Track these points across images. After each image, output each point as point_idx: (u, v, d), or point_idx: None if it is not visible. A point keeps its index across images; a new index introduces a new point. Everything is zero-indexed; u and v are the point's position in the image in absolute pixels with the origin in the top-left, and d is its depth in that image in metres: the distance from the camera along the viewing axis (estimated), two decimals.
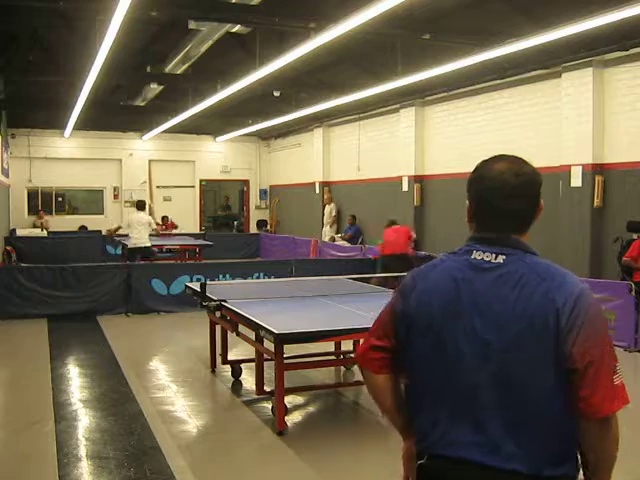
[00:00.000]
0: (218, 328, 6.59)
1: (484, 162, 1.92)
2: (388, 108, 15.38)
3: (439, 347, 1.78)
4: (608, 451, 1.94)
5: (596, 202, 10.17)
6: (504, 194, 1.80)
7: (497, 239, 1.80)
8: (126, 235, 13.09)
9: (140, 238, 12.10)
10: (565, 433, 1.76)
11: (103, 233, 19.34)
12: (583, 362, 1.72)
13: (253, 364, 5.78)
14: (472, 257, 1.81)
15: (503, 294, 1.73)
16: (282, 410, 4.96)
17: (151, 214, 21.38)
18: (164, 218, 19.08)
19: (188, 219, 21.85)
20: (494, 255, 1.79)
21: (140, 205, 12.72)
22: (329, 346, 6.52)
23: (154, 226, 12.65)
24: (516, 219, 1.82)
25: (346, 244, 16.05)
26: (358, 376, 6.46)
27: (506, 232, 1.81)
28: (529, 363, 1.69)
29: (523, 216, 1.83)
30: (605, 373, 1.82)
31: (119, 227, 13.96)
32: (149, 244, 12.25)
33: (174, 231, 18.25)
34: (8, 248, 15.50)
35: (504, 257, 1.78)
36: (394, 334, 1.89)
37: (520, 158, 1.92)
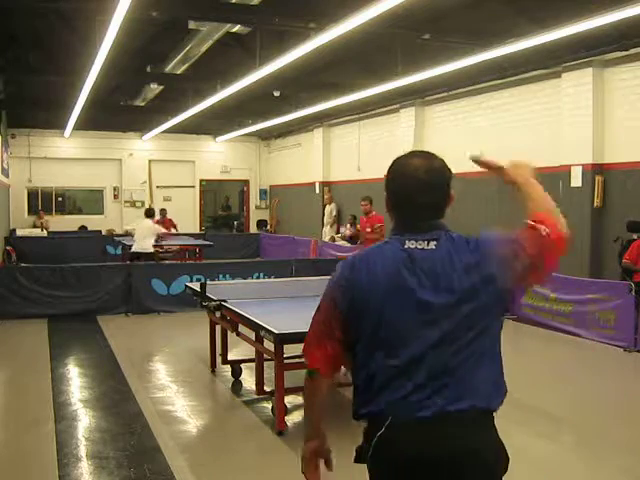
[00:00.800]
0: (218, 328, 6.59)
1: (398, 159, 2.12)
2: (388, 108, 15.38)
3: (384, 329, 1.97)
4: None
5: (596, 202, 10.17)
6: (420, 190, 2.03)
7: (423, 227, 2.03)
8: (129, 235, 13.14)
9: (143, 244, 12.09)
10: None
11: (103, 233, 19.40)
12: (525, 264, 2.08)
13: (253, 364, 5.78)
14: (405, 247, 2.01)
15: (442, 272, 1.97)
16: (282, 410, 4.96)
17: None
18: (162, 210, 19.07)
19: (188, 219, 21.84)
20: (426, 242, 2.01)
21: (149, 213, 12.70)
22: None
23: (160, 233, 12.69)
24: (432, 209, 2.06)
25: (346, 244, 16.05)
26: None
27: (426, 221, 2.03)
28: (475, 314, 1.98)
29: (438, 206, 2.07)
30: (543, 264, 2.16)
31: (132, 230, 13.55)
32: (151, 250, 12.25)
33: (173, 231, 18.31)
34: (8, 248, 15.50)
35: (435, 243, 2.00)
36: (338, 328, 2.05)
37: (431, 154, 2.16)
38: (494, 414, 2.02)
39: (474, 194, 12.76)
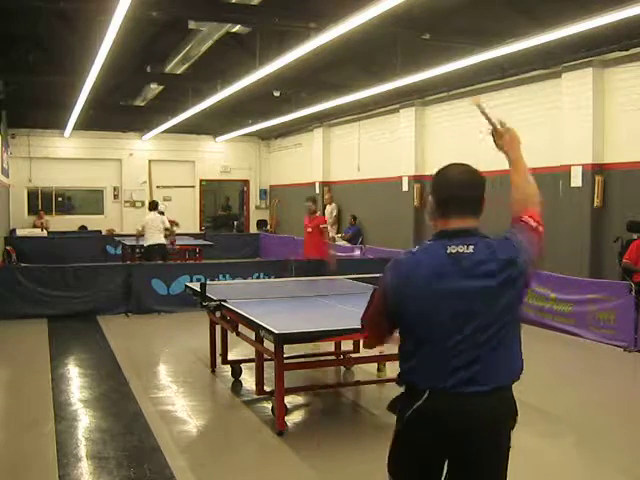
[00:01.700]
0: (218, 328, 6.59)
1: (443, 169, 2.48)
2: (388, 108, 15.38)
3: (429, 323, 2.32)
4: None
5: (596, 202, 10.17)
6: (467, 186, 2.41)
7: (463, 231, 2.35)
8: (134, 235, 12.95)
9: (159, 237, 12.00)
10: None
11: (103, 233, 19.40)
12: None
13: (253, 364, 5.77)
14: (447, 251, 2.31)
15: (477, 271, 2.30)
16: (282, 410, 4.96)
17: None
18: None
19: (188, 219, 21.84)
20: (464, 247, 2.31)
21: (154, 206, 12.64)
22: (329, 346, 6.52)
23: (167, 225, 12.50)
24: (472, 208, 2.40)
25: (346, 244, 16.06)
26: (358, 376, 6.47)
27: (466, 220, 2.37)
28: (498, 308, 2.33)
29: (479, 202, 2.42)
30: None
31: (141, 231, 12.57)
32: (164, 242, 12.17)
33: (175, 229, 18.30)
34: (8, 248, 15.49)
35: (472, 247, 2.31)
36: (386, 314, 2.42)
37: (466, 164, 2.53)
38: (506, 386, 2.45)
39: None
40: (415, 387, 2.34)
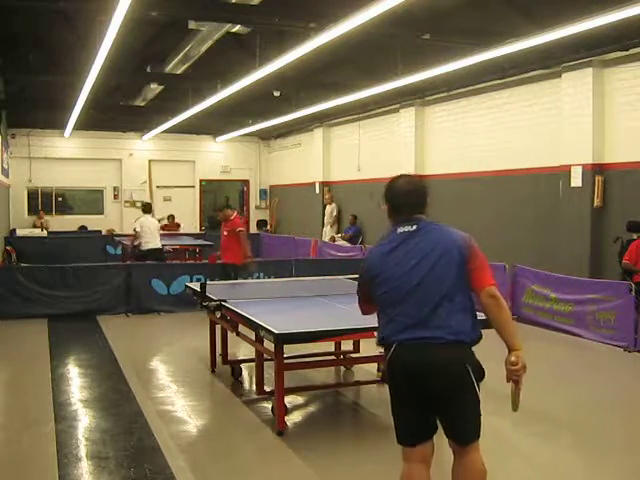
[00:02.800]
0: (218, 328, 6.59)
1: (392, 180, 3.36)
2: (388, 108, 15.38)
3: (386, 285, 3.15)
4: (496, 312, 3.12)
5: (596, 202, 10.17)
6: (405, 194, 3.27)
7: (408, 219, 3.22)
8: (127, 236, 12.91)
9: (154, 240, 11.83)
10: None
11: (103, 233, 19.39)
12: (475, 263, 3.12)
13: (253, 364, 5.78)
14: (398, 231, 3.21)
15: (422, 245, 3.12)
16: (282, 410, 4.96)
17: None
18: (170, 217, 19.33)
19: (188, 219, 21.85)
20: (409, 226, 3.19)
21: (149, 208, 12.51)
22: (329, 346, 6.52)
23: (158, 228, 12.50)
24: (415, 207, 3.25)
25: (346, 244, 16.06)
26: (358, 376, 6.47)
27: (411, 214, 3.22)
28: (445, 275, 3.07)
29: (418, 205, 3.26)
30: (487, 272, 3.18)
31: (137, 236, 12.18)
32: (161, 246, 12.08)
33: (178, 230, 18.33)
34: (8, 248, 15.49)
35: (415, 226, 3.18)
36: (367, 289, 3.30)
37: (411, 175, 3.56)
38: (466, 345, 3.06)
39: (470, 193, 12.76)
40: (386, 343, 3.16)
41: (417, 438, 3.09)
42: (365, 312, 3.52)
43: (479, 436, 3.09)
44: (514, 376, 2.99)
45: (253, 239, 19.56)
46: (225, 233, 9.74)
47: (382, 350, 3.27)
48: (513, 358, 2.98)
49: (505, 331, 3.06)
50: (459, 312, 3.04)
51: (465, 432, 3.06)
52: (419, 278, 3.05)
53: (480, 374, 3.08)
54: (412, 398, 3.07)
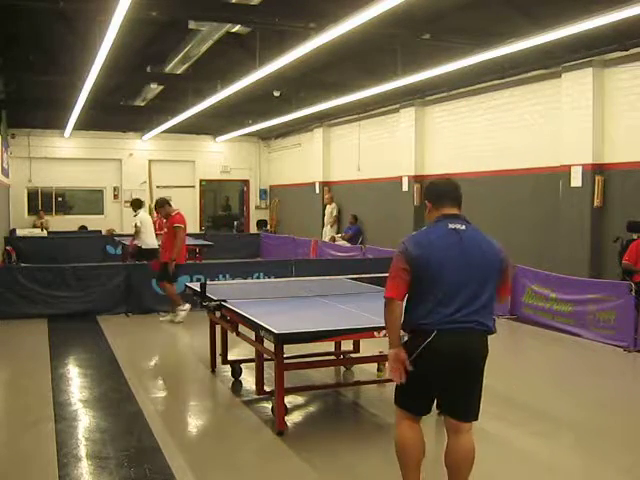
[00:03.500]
0: (218, 328, 6.59)
1: (431, 182, 3.80)
2: (388, 108, 15.38)
3: (443, 273, 3.37)
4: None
5: (596, 202, 10.17)
6: (453, 189, 3.64)
7: (457, 216, 3.53)
8: (127, 235, 12.63)
9: (153, 238, 11.30)
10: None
11: (103, 233, 19.39)
12: (506, 278, 3.60)
13: (253, 364, 5.78)
14: (449, 227, 3.47)
15: (475, 245, 3.47)
16: (282, 410, 4.96)
17: (152, 215, 21.41)
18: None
19: (188, 219, 21.76)
20: (459, 224, 3.49)
21: (139, 204, 11.87)
22: (329, 346, 6.52)
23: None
24: (458, 202, 3.60)
25: (346, 244, 16.06)
26: (358, 376, 6.47)
27: (456, 210, 3.56)
28: (487, 278, 3.45)
29: (460, 203, 3.60)
30: (510, 283, 3.72)
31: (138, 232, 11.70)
32: (157, 246, 11.10)
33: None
34: (8, 248, 15.49)
35: (464, 226, 3.49)
36: (408, 275, 3.39)
37: (452, 179, 3.82)
38: (488, 336, 3.49)
39: (470, 193, 12.75)
40: (426, 328, 3.36)
41: (427, 410, 3.56)
42: (394, 293, 3.44)
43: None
44: None
45: (253, 239, 19.70)
46: (166, 230, 9.54)
47: (408, 334, 3.49)
48: None
49: None
50: (490, 309, 3.47)
51: (475, 410, 3.54)
52: (472, 275, 3.39)
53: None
54: (443, 378, 3.41)
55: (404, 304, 3.47)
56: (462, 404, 3.47)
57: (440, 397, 3.50)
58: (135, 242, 11.68)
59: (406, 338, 3.48)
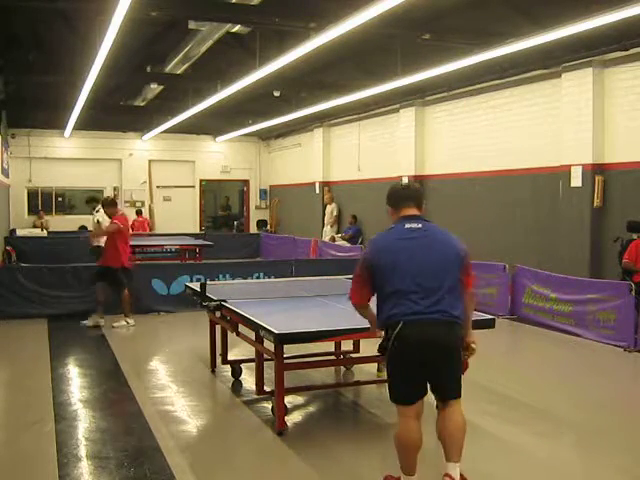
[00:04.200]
0: (218, 328, 6.59)
1: (392, 186, 4.06)
2: (388, 108, 15.38)
3: (398, 271, 3.63)
4: (471, 307, 3.94)
5: (596, 202, 10.17)
6: (409, 192, 3.94)
7: (413, 216, 3.81)
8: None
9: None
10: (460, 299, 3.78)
11: None
12: (467, 270, 3.83)
13: (253, 364, 5.77)
14: (405, 227, 3.76)
15: (429, 242, 3.73)
16: (282, 410, 4.96)
17: (151, 215, 21.44)
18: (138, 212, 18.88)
19: (188, 219, 21.85)
20: (415, 224, 3.76)
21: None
22: (329, 346, 6.52)
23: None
24: (415, 204, 3.87)
25: (346, 244, 16.06)
26: (358, 376, 6.47)
27: (413, 211, 3.83)
28: (447, 272, 3.69)
29: (419, 204, 3.88)
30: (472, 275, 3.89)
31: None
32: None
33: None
34: (8, 248, 15.49)
35: (420, 224, 3.77)
36: (370, 278, 3.73)
37: (409, 181, 4.34)
38: (459, 323, 3.72)
39: (470, 193, 12.75)
40: (393, 321, 3.61)
41: (416, 397, 3.73)
42: (357, 299, 3.82)
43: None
44: (469, 355, 3.89)
45: (253, 239, 19.70)
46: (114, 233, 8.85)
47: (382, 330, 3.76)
48: (473, 345, 3.90)
49: (469, 321, 3.91)
50: (452, 299, 3.67)
51: (457, 388, 3.80)
52: (429, 269, 3.62)
53: (462, 343, 3.84)
54: (418, 365, 3.66)
55: (375, 303, 3.79)
56: (444, 386, 3.77)
57: (419, 382, 3.74)
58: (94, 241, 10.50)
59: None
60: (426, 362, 3.66)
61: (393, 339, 3.62)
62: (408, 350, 3.63)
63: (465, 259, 3.77)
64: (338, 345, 6.67)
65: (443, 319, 3.62)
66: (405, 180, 4.83)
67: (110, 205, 9.23)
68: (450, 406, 3.77)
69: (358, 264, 3.81)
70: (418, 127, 14.51)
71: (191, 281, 9.54)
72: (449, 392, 3.77)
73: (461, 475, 3.71)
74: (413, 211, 3.82)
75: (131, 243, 9.81)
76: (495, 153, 12.29)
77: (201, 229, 21.94)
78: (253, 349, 5.66)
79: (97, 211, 10.73)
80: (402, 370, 3.70)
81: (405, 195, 3.88)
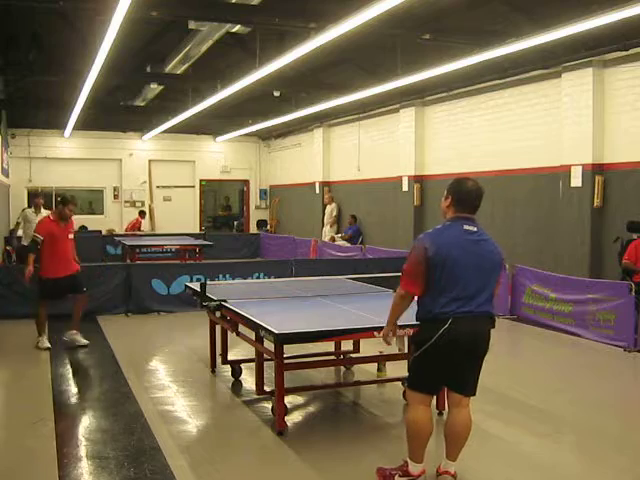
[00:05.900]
0: (218, 328, 6.59)
1: (462, 179, 4.10)
2: (388, 108, 15.38)
3: (455, 270, 3.78)
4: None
5: (596, 202, 10.17)
6: (477, 196, 3.97)
7: (470, 219, 3.93)
8: (126, 235, 12.38)
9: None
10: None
11: (103, 233, 19.39)
12: (500, 274, 4.06)
13: (253, 364, 5.77)
14: (464, 228, 3.89)
15: (482, 246, 3.91)
16: (282, 410, 4.96)
17: (151, 216, 21.44)
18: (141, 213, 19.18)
19: (188, 219, 21.85)
20: (472, 226, 3.92)
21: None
22: (329, 346, 6.52)
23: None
24: (476, 208, 3.98)
25: (346, 244, 16.06)
26: (358, 376, 6.47)
27: (471, 214, 3.95)
28: (492, 275, 3.95)
29: (478, 208, 3.99)
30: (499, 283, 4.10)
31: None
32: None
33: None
34: (8, 248, 15.48)
35: (476, 228, 3.93)
36: (426, 271, 3.78)
37: (478, 184, 4.05)
38: (493, 320, 3.98)
39: None
40: (444, 317, 3.76)
41: (441, 388, 4.17)
42: (415, 290, 3.87)
43: None
44: None
45: (253, 239, 19.71)
46: (71, 237, 8.00)
47: (423, 323, 3.92)
48: None
49: None
50: (491, 300, 3.95)
51: (476, 385, 4.02)
52: (481, 273, 3.85)
53: None
54: (457, 360, 3.85)
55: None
56: (469, 381, 3.96)
57: (449, 376, 3.93)
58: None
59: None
60: (467, 356, 3.86)
61: (441, 334, 3.75)
62: (454, 345, 3.78)
63: (503, 265, 4.06)
64: (338, 345, 6.67)
65: (485, 317, 3.88)
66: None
67: (67, 204, 7.88)
68: (463, 406, 3.96)
69: (413, 256, 3.86)
70: (418, 127, 14.52)
71: (191, 281, 9.54)
72: (469, 388, 3.97)
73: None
74: (471, 213, 3.95)
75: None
76: (495, 153, 12.28)
77: (201, 229, 21.94)
78: (253, 349, 5.67)
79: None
80: (441, 364, 3.86)
81: (474, 200, 3.94)
